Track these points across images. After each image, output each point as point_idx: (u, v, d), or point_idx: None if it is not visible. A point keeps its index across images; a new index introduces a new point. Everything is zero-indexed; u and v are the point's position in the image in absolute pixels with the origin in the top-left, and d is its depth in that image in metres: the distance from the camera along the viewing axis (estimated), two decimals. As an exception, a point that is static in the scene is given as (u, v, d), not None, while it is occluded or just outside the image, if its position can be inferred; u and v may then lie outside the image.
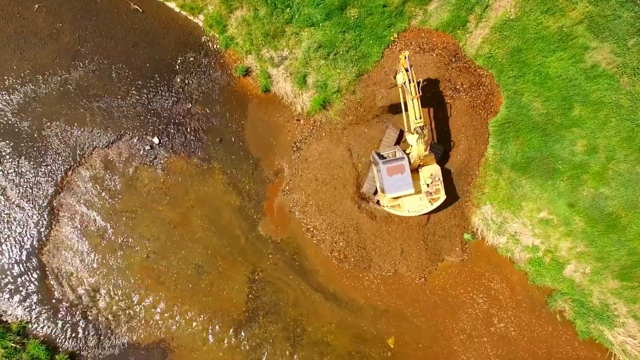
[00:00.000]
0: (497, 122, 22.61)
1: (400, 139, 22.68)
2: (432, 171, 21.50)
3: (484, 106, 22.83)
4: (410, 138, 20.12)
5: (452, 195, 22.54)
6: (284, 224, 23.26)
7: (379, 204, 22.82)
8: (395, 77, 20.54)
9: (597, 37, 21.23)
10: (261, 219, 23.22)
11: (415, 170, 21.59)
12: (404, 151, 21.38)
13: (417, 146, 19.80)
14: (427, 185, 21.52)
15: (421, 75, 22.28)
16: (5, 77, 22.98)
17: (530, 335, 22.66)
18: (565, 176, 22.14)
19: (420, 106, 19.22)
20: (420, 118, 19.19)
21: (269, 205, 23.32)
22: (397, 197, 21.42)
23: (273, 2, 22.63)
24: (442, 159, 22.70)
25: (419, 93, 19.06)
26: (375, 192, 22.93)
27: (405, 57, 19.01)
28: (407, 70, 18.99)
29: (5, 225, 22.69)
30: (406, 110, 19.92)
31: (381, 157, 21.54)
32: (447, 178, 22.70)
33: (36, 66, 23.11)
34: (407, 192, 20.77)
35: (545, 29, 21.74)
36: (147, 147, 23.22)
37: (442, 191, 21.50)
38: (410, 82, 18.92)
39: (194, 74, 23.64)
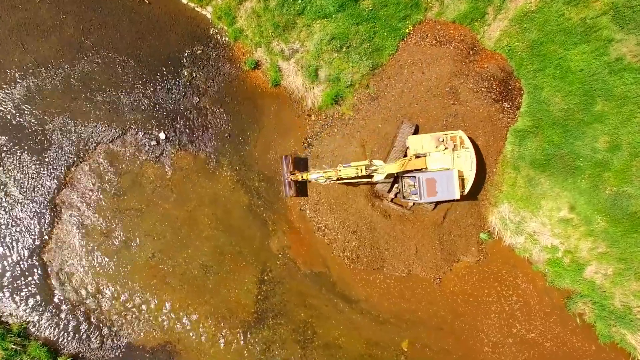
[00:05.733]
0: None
1: (416, 134, 21.82)
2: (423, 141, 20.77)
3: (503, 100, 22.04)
4: (377, 177, 20.98)
5: (468, 193, 21.75)
6: (312, 256, 22.58)
7: (393, 202, 22.06)
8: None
9: (623, 28, 20.43)
10: (284, 243, 22.61)
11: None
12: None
13: (382, 171, 20.38)
14: (445, 148, 20.70)
15: (437, 68, 21.60)
16: (7, 70, 22.28)
17: (569, 348, 22.11)
18: (587, 174, 21.36)
19: (358, 171, 19.90)
20: (361, 173, 19.89)
21: (294, 238, 22.62)
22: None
23: (284, -7, 21.90)
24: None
25: (334, 179, 20.42)
26: (389, 190, 22.11)
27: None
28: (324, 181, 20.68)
29: (6, 222, 21.99)
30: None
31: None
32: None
33: (39, 59, 22.42)
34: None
35: (567, 21, 20.97)
36: (153, 143, 22.49)
37: (467, 139, 20.70)
38: (329, 178, 20.41)
39: (201, 68, 22.90)
